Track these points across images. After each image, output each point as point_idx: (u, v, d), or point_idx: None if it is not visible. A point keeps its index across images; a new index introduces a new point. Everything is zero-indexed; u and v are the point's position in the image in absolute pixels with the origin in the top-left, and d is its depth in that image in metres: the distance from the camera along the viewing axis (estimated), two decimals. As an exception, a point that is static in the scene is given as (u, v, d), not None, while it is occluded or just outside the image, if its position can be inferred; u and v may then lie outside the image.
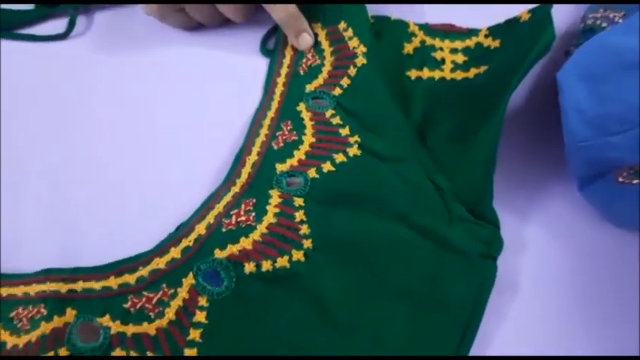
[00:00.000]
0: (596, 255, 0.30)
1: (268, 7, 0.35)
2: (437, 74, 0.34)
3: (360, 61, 0.34)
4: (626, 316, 0.29)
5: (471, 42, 0.35)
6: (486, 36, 0.35)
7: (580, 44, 0.31)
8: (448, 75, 0.34)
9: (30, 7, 0.39)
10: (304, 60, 0.36)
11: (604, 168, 0.28)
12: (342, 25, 0.36)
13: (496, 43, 0.34)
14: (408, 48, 0.35)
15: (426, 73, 0.35)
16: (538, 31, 0.31)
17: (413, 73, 0.35)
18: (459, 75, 0.34)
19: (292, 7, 0.35)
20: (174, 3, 0.36)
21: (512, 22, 0.34)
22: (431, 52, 0.35)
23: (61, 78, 0.37)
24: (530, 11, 0.33)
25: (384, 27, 0.36)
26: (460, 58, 0.35)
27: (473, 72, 0.34)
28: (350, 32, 0.35)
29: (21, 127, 0.35)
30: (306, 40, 0.36)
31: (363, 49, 0.35)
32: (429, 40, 0.36)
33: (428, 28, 0.36)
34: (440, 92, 0.34)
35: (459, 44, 0.35)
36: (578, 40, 0.33)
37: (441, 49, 0.35)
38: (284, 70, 0.36)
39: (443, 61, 0.35)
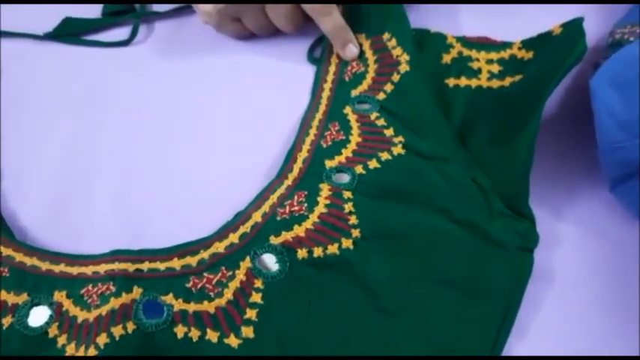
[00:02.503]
0: (627, 251, 0.32)
1: (317, 18, 0.38)
2: (474, 82, 0.37)
3: (404, 68, 0.37)
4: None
5: (505, 54, 0.37)
6: (520, 48, 0.37)
7: (608, 57, 0.33)
8: (485, 83, 0.37)
9: (96, 16, 0.43)
10: (349, 67, 0.38)
11: (634, 168, 0.30)
12: (385, 36, 0.38)
13: (529, 55, 0.37)
14: (447, 58, 0.38)
15: (463, 82, 0.37)
16: (571, 42, 0.33)
17: (451, 82, 0.37)
18: (495, 83, 0.36)
19: (339, 19, 0.38)
20: (230, 3, 0.38)
21: (545, 36, 0.36)
22: (468, 62, 0.38)
23: (124, 80, 0.40)
24: (562, 25, 0.36)
25: (423, 39, 0.38)
26: (496, 68, 0.37)
27: (508, 81, 0.36)
28: (394, 42, 0.38)
29: (90, 123, 0.38)
30: (351, 51, 0.38)
31: (406, 57, 0.37)
32: (465, 52, 0.38)
33: (465, 40, 0.38)
34: (478, 99, 0.36)
35: (494, 55, 0.38)
36: (606, 53, 0.36)
37: (477, 59, 0.38)
38: (330, 77, 0.39)
39: (479, 70, 0.37)
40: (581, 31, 0.34)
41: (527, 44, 0.37)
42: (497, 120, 0.34)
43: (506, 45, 0.38)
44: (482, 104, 0.36)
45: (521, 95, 0.35)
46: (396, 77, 0.37)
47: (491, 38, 0.38)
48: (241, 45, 0.41)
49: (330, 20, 0.38)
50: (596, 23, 0.39)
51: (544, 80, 0.33)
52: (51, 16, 0.42)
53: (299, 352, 0.29)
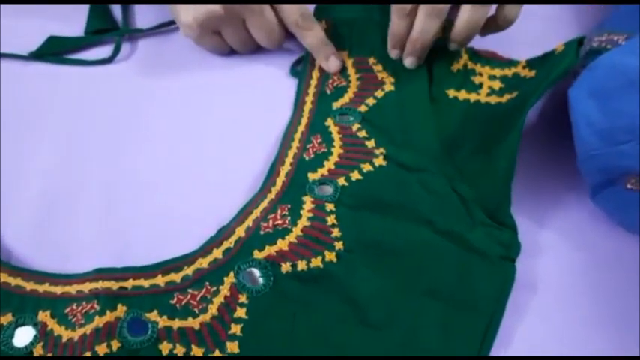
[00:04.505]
0: (608, 258, 0.32)
1: (298, 33, 0.38)
2: (473, 97, 0.37)
3: (388, 87, 0.37)
4: (635, 316, 0.30)
5: (509, 71, 0.37)
6: (524, 67, 0.37)
7: (586, 65, 0.33)
8: (483, 98, 0.37)
9: (79, 34, 0.43)
10: (330, 80, 0.39)
11: (614, 175, 0.30)
12: (372, 60, 0.39)
13: (531, 74, 0.36)
14: (455, 66, 0.38)
15: (462, 95, 0.37)
16: (564, 59, 0.33)
17: (451, 92, 0.37)
18: (494, 99, 0.36)
19: (321, 34, 0.38)
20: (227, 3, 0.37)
21: (549, 55, 0.36)
22: (471, 75, 0.38)
23: (107, 98, 0.40)
24: (565, 44, 0.35)
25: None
26: (497, 85, 0.37)
27: (506, 97, 0.36)
28: (380, 67, 0.38)
29: (74, 141, 0.38)
30: (335, 63, 0.39)
31: (391, 79, 0.37)
32: (470, 65, 0.38)
33: (472, 52, 0.38)
34: (472, 114, 0.36)
35: (497, 72, 0.37)
36: (584, 61, 0.36)
37: (480, 74, 0.38)
38: (312, 90, 0.39)
39: (480, 85, 0.37)
40: (573, 49, 0.34)
41: (531, 63, 0.37)
42: (482, 132, 0.35)
43: (511, 63, 0.38)
44: (476, 119, 0.36)
45: (505, 107, 0.35)
46: (380, 93, 0.37)
47: (498, 54, 0.38)
48: (223, 61, 0.41)
49: (312, 35, 0.38)
50: (575, 30, 0.40)
51: (528, 93, 0.33)
52: (35, 36, 0.42)
53: (284, 367, 0.29)
